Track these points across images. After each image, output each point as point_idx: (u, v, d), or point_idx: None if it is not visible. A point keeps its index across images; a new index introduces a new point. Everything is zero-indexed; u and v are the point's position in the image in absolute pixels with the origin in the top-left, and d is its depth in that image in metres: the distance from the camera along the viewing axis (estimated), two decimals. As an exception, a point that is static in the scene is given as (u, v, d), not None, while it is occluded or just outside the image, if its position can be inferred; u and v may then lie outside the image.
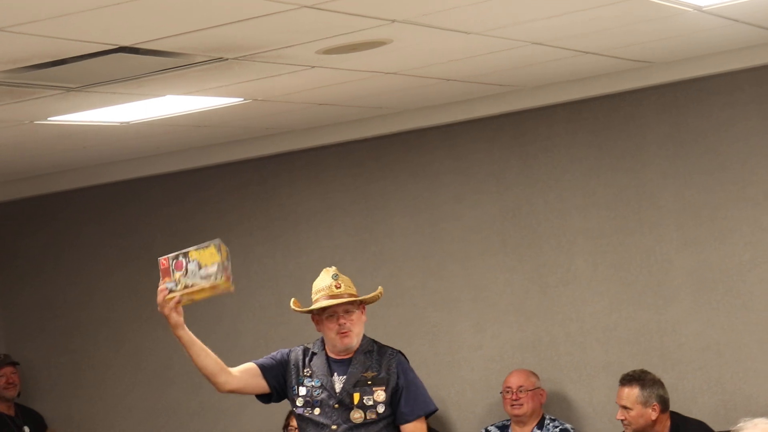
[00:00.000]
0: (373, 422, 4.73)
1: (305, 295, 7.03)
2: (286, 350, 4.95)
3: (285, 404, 6.82)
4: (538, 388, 6.26)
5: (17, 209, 7.62)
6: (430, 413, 4.85)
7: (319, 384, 4.79)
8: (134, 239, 7.39)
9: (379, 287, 4.97)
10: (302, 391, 4.82)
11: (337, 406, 4.73)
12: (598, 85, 6.20)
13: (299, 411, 4.81)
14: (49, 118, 5.36)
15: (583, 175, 6.39)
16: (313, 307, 4.82)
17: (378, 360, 4.81)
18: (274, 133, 6.82)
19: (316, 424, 4.74)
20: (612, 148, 6.33)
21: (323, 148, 6.94)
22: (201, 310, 7.23)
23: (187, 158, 7.10)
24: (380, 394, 4.75)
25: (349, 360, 4.81)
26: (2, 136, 5.66)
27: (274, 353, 4.94)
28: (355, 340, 4.80)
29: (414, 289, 6.77)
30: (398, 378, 4.78)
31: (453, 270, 6.68)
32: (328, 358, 4.85)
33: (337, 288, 4.82)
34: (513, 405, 6.23)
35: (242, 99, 5.50)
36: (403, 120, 6.63)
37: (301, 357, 4.88)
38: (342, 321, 4.78)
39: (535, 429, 6.25)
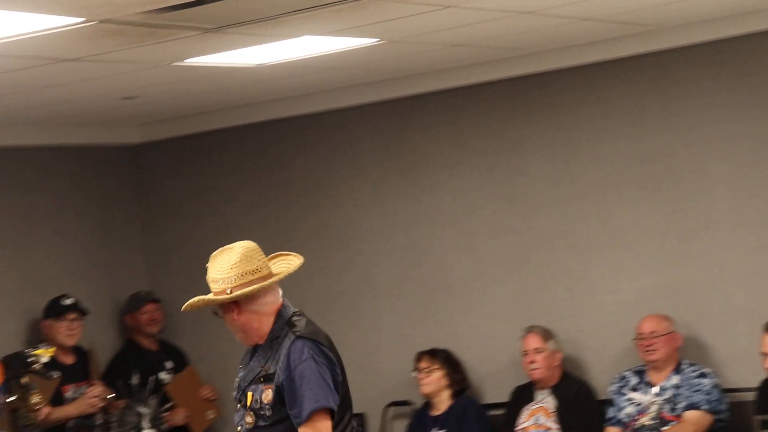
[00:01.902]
0: (265, 427, 4.01)
1: (433, 240, 7.05)
2: None
3: (416, 346, 6.88)
4: (672, 332, 6.16)
5: (158, 150, 7.76)
6: (314, 411, 3.91)
7: (237, 378, 4.16)
8: (270, 181, 7.47)
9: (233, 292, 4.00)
10: None
11: (239, 406, 4.09)
12: (743, 23, 6.00)
13: None
14: (186, 60, 5.43)
15: (725, 117, 6.21)
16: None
17: (277, 349, 4.00)
18: (407, 75, 6.79)
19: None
20: (757, 90, 6.13)
21: (457, 90, 6.88)
22: (335, 253, 7.30)
23: (321, 100, 7.13)
24: (268, 395, 3.98)
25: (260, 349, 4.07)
26: (142, 78, 5.76)
27: None
28: (238, 337, 4.08)
29: (550, 233, 6.70)
30: (282, 372, 3.95)
31: (590, 213, 6.58)
32: (255, 345, 4.11)
33: (211, 282, 4.06)
34: (646, 351, 6.15)
35: (377, 40, 5.48)
36: (539, 61, 6.53)
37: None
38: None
39: (671, 374, 6.16)
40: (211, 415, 7.34)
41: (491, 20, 5.29)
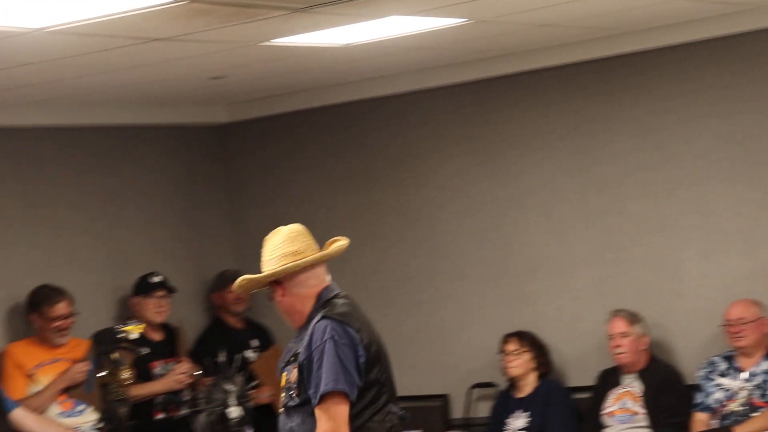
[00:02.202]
0: (294, 407, 3.97)
1: (519, 222, 7.00)
2: None
3: (500, 329, 6.85)
4: (762, 318, 6.05)
5: (245, 130, 7.81)
6: (326, 394, 3.86)
7: None
8: (355, 161, 7.48)
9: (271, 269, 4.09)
10: None
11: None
12: (840, 2, 5.86)
13: None
14: (274, 40, 5.44)
15: (819, 98, 6.09)
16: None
17: (308, 330, 4.01)
18: (494, 56, 6.74)
19: None
20: None
21: (544, 71, 6.82)
22: (419, 235, 7.29)
23: (406, 81, 7.11)
24: (293, 375, 3.98)
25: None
26: (230, 57, 5.79)
27: None
28: (286, 318, 4.14)
29: (638, 215, 6.61)
30: (304, 352, 3.94)
31: (678, 195, 6.49)
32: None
33: (262, 265, 4.16)
34: (734, 337, 6.05)
35: (465, 20, 5.44)
36: (627, 41, 6.44)
37: None
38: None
39: (762, 360, 6.06)
40: (296, 393, 7.39)
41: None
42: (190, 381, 6.78)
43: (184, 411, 6.79)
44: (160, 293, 6.90)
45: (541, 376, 6.71)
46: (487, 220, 7.09)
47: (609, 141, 6.69)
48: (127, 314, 6.94)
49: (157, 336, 6.90)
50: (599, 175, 6.74)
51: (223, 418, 6.38)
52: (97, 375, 6.09)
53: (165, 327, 6.98)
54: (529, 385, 6.69)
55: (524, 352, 6.69)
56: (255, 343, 7.33)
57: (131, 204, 7.33)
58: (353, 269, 7.44)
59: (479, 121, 7.10)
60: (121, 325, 6.23)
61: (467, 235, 7.16)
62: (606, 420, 6.43)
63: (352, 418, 3.92)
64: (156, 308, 6.88)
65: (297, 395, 3.95)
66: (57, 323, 6.38)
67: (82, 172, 7.11)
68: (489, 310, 7.07)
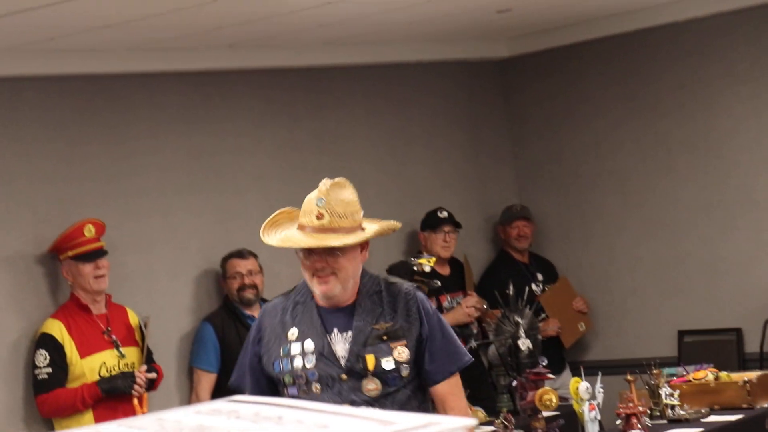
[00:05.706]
0: (395, 392, 3.50)
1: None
2: (256, 322, 3.66)
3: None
4: None
5: (526, 64, 7.74)
6: (463, 366, 3.58)
7: (312, 349, 3.51)
8: (641, 92, 7.31)
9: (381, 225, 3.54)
10: (290, 364, 3.52)
11: (345, 377, 3.49)
12: None
13: (292, 392, 3.51)
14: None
15: None
16: (267, 239, 3.50)
17: (391, 303, 3.53)
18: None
19: None
20: None
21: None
22: (709, 164, 7.07)
23: (694, 6, 6.89)
24: (402, 352, 3.49)
25: (351, 309, 3.53)
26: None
27: (246, 341, 3.70)
28: (337, 288, 3.49)
29: None
30: (421, 325, 3.51)
31: None
32: (318, 309, 3.55)
33: (318, 219, 3.43)
34: None
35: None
36: None
37: (279, 317, 3.59)
38: (319, 264, 3.45)
39: None
40: (582, 327, 7.37)
41: None
42: (478, 314, 6.85)
43: (472, 343, 6.86)
44: (447, 228, 6.99)
45: (842, 309, 6.43)
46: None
47: None
48: (416, 248, 7.06)
49: (444, 270, 6.98)
50: None
51: (514, 349, 6.41)
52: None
53: (451, 261, 7.07)
54: (830, 318, 6.43)
55: (823, 283, 6.42)
56: (540, 276, 7.34)
57: (418, 140, 7.42)
58: (640, 202, 7.33)
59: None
60: (414, 258, 6.35)
61: (758, 162, 6.90)
62: None
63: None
64: (443, 243, 6.97)
65: (407, 374, 3.51)
66: None
67: (371, 109, 7.23)
68: (785, 240, 6.81)
